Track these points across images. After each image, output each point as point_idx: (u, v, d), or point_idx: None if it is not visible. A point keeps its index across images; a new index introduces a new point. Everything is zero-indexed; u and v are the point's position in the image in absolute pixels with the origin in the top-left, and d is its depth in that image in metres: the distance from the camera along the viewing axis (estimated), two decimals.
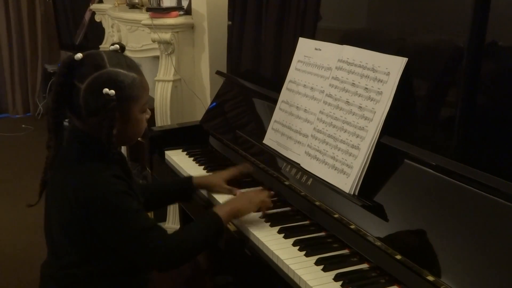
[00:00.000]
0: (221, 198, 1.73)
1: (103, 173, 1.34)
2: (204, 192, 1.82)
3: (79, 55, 1.34)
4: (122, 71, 1.35)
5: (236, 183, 1.83)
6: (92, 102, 1.32)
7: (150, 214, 2.98)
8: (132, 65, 1.40)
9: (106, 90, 1.31)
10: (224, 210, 1.51)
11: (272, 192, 1.69)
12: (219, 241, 1.51)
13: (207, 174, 1.93)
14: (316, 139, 1.62)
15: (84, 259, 1.39)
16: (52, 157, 1.36)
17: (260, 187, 1.78)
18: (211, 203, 1.77)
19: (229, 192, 1.76)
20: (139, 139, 1.49)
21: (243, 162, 1.90)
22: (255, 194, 1.64)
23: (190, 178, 1.80)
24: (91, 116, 1.34)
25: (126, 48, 3.59)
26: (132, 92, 1.36)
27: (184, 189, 1.77)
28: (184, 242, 1.41)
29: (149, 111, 1.45)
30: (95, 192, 1.33)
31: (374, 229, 1.33)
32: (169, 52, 2.73)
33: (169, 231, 3.19)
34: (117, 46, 1.42)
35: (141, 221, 1.35)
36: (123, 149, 3.37)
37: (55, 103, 1.33)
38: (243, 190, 1.75)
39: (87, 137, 1.38)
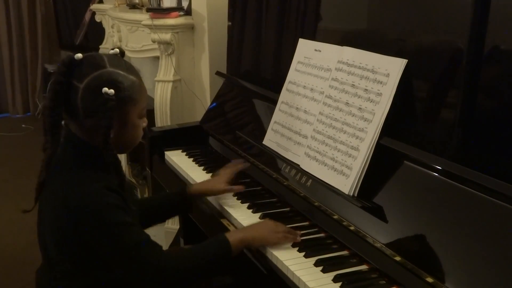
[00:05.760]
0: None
1: (96, 184, 1.29)
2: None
3: (79, 55, 1.32)
4: (122, 72, 1.34)
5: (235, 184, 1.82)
6: (90, 101, 1.30)
7: None
8: (131, 69, 1.38)
9: (105, 89, 1.28)
10: (236, 237, 1.40)
11: (300, 232, 1.47)
12: (222, 268, 1.41)
13: (206, 179, 1.83)
14: (315, 140, 1.62)
15: (77, 271, 1.33)
16: (48, 158, 1.32)
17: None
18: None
19: (230, 191, 1.70)
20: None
21: (235, 159, 1.86)
22: (279, 224, 1.48)
23: (184, 189, 1.70)
24: (88, 117, 1.31)
25: (126, 48, 3.60)
26: (131, 94, 1.34)
27: (177, 202, 1.69)
28: (181, 263, 1.33)
29: (146, 119, 1.42)
30: (85, 204, 1.27)
31: (374, 230, 1.33)
32: (169, 53, 2.73)
33: (169, 232, 3.16)
34: (117, 50, 1.41)
35: (133, 236, 1.29)
36: None
37: (53, 101, 1.30)
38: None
39: (81, 143, 1.34)
